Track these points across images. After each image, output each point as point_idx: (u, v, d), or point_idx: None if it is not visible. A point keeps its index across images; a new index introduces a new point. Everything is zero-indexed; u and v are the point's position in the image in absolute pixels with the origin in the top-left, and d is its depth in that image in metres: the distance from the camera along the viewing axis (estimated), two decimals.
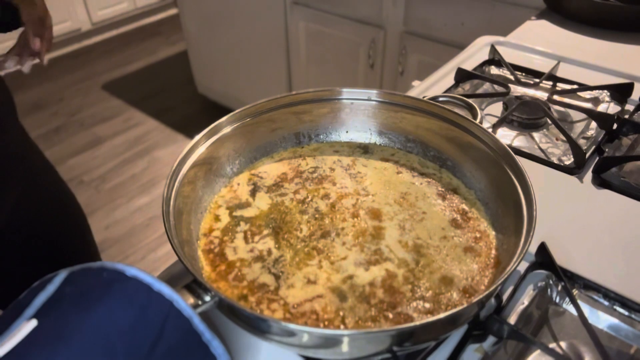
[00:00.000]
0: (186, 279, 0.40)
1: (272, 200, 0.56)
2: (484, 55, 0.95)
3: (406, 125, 0.62)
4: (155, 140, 2.39)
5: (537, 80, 0.87)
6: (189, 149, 0.52)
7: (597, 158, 0.69)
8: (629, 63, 0.91)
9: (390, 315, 0.44)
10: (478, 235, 0.52)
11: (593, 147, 0.71)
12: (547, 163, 0.69)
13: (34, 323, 0.34)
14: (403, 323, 0.43)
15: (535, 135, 0.75)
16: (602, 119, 0.74)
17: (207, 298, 0.39)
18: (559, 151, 0.71)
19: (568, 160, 0.69)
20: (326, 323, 0.43)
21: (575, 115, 0.79)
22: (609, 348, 0.46)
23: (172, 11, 3.62)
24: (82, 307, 0.35)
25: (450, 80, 0.87)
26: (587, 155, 0.69)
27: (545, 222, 0.49)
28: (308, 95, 0.61)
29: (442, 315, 0.38)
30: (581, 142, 0.73)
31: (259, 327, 0.40)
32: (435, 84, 0.86)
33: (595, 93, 0.83)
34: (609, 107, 0.81)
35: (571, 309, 0.49)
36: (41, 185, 0.82)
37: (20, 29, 0.77)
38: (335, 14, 1.75)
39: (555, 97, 0.81)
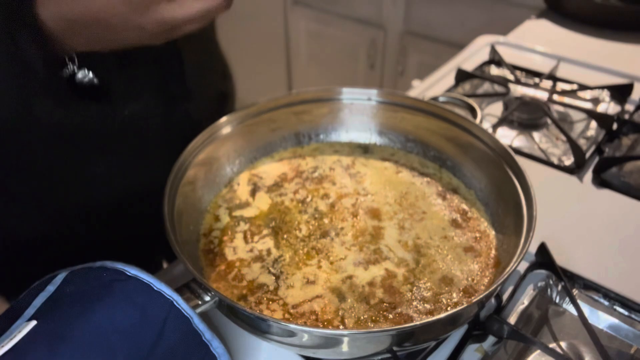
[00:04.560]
0: (186, 279, 0.40)
1: (272, 200, 0.56)
2: (484, 55, 0.95)
3: (406, 125, 0.62)
4: None
5: (537, 80, 0.87)
6: (190, 148, 0.52)
7: (597, 158, 0.69)
8: (629, 63, 0.91)
9: (390, 316, 0.44)
10: (478, 235, 0.52)
11: (593, 147, 0.71)
12: (547, 163, 0.69)
13: (33, 323, 0.34)
14: (403, 323, 0.43)
15: (535, 135, 0.75)
16: (602, 119, 0.74)
17: (207, 298, 0.39)
18: (559, 151, 0.71)
19: (568, 160, 0.69)
20: (325, 323, 0.43)
21: (575, 115, 0.79)
22: (609, 348, 0.46)
23: None
24: (82, 307, 0.35)
25: (450, 80, 0.87)
26: (587, 155, 0.69)
27: (545, 222, 0.49)
28: (308, 95, 0.61)
29: (442, 315, 0.38)
30: (581, 142, 0.73)
31: (258, 327, 0.40)
32: (435, 84, 0.86)
33: (595, 93, 0.83)
34: (609, 107, 0.81)
35: (571, 309, 0.49)
36: None
37: None
38: (335, 14, 1.75)
39: (555, 97, 0.81)
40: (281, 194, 0.57)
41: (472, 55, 0.96)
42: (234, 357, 0.45)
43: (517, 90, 0.85)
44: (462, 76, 0.86)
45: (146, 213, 0.50)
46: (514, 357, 0.45)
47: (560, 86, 0.86)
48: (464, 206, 0.55)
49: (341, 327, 0.43)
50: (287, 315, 0.44)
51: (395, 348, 0.39)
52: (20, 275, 0.42)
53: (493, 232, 0.52)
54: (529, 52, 0.98)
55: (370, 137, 0.64)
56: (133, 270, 0.37)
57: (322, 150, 0.63)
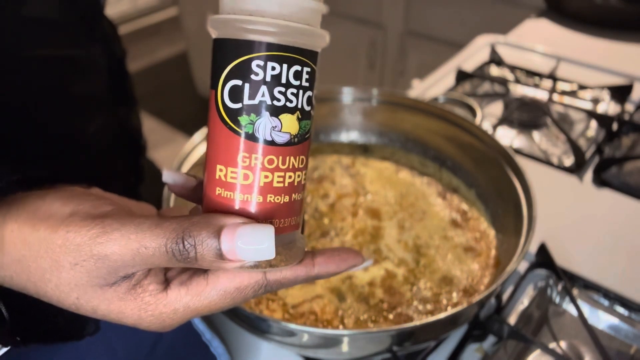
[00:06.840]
0: None
1: None
2: (484, 55, 0.95)
3: (406, 125, 0.62)
4: (155, 140, 2.39)
5: (537, 80, 0.87)
6: (189, 149, 0.52)
7: (597, 158, 0.69)
8: (629, 63, 0.91)
9: (390, 316, 0.44)
10: (478, 235, 0.52)
11: (593, 147, 0.71)
12: (547, 163, 0.69)
13: None
14: (403, 323, 0.43)
15: (535, 135, 0.75)
16: (602, 119, 0.74)
17: None
18: (559, 151, 0.71)
19: (568, 160, 0.69)
20: (325, 323, 0.43)
21: (575, 115, 0.79)
22: (609, 348, 0.46)
23: (172, 11, 3.62)
24: None
25: (450, 80, 0.86)
26: (587, 155, 0.69)
27: (545, 222, 0.49)
28: None
29: (442, 315, 0.38)
30: (581, 142, 0.73)
31: (259, 327, 0.40)
32: (435, 84, 0.86)
33: (595, 93, 0.83)
34: (609, 107, 0.81)
35: (571, 309, 0.49)
36: None
37: None
38: (335, 13, 1.75)
39: (555, 97, 0.81)
40: None
41: (472, 55, 0.96)
42: (234, 357, 0.45)
43: (517, 90, 0.85)
44: (462, 76, 0.86)
45: None
46: (514, 357, 0.45)
47: (560, 86, 0.86)
48: (464, 206, 0.55)
49: (341, 327, 0.43)
50: (286, 316, 0.44)
51: (395, 348, 0.39)
52: None
53: (493, 232, 0.52)
54: (528, 52, 0.98)
55: (370, 137, 0.64)
56: None
57: (322, 150, 0.63)
